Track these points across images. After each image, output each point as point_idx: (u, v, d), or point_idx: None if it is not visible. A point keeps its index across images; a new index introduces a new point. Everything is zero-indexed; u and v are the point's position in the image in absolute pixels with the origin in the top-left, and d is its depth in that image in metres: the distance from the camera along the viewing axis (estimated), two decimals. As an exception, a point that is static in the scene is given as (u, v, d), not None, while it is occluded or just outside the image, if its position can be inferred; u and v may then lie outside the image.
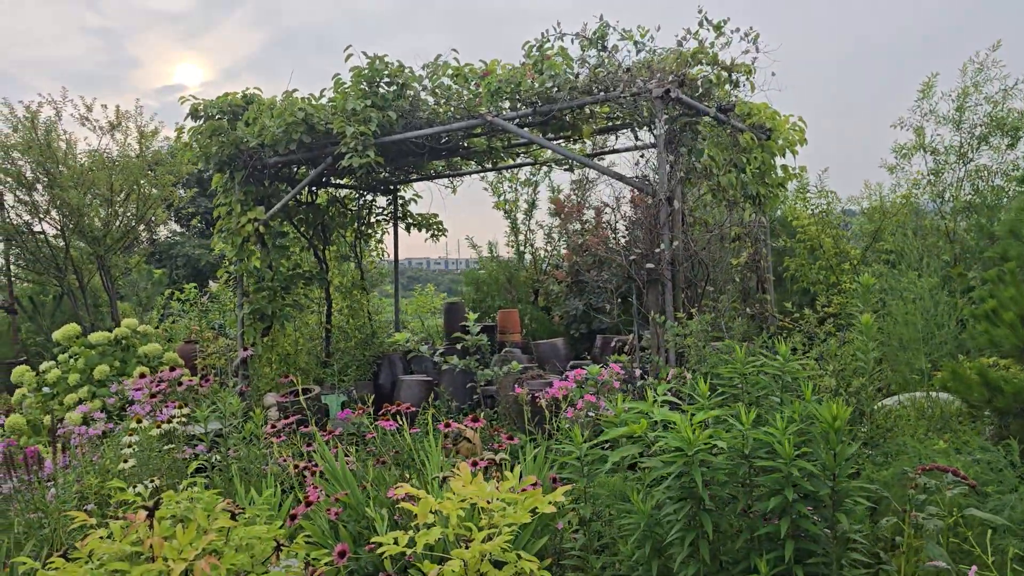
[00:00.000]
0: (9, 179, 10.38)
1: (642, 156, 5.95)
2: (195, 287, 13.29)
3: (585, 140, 7.09)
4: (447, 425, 4.50)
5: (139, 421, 5.38)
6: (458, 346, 7.99)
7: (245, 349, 7.65)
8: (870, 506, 3.23)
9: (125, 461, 5.20)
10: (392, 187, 9.74)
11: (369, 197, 9.71)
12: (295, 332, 8.47)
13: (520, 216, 12.71)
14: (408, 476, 4.47)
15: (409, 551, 2.90)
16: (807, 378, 3.38)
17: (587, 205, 11.41)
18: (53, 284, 11.24)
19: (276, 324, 8.04)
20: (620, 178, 5.87)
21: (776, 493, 2.85)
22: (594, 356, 9.44)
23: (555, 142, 7.39)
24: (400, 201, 9.82)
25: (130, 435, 5.28)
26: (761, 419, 3.18)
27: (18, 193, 10.53)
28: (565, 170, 8.54)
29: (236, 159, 7.67)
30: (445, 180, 9.56)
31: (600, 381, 4.34)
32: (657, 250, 5.33)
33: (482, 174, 11.24)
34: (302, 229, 8.81)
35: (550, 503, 2.79)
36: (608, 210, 10.36)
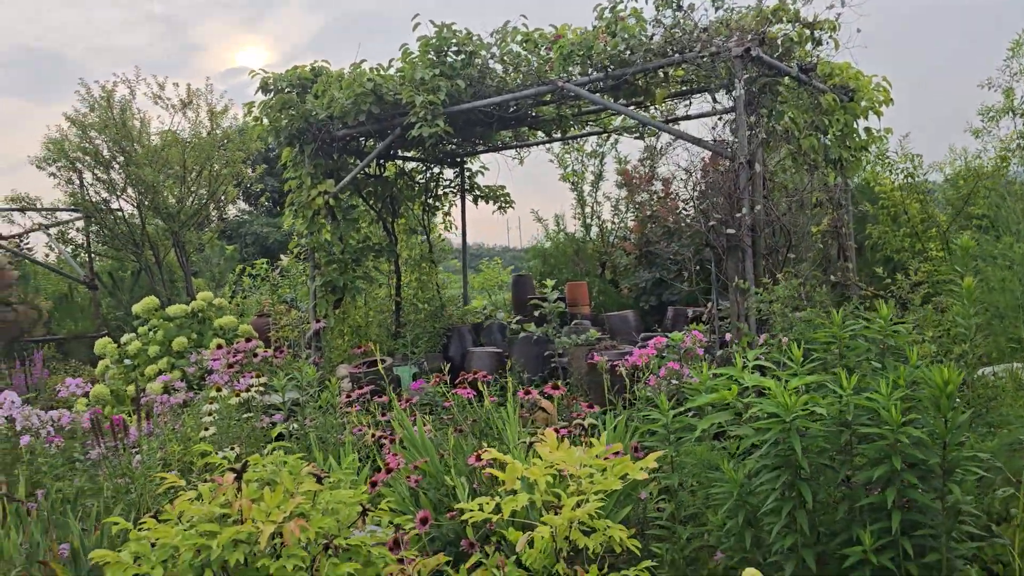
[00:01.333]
0: (87, 157, 10.66)
1: (719, 119, 5.74)
2: (266, 263, 13.51)
3: (658, 105, 6.89)
4: (526, 393, 4.43)
5: (218, 390, 5.46)
6: (536, 314, 7.93)
7: (318, 321, 7.72)
8: (978, 477, 3.05)
9: (206, 429, 5.29)
10: (459, 159, 9.69)
11: (436, 170, 9.67)
12: (365, 305, 8.52)
13: (586, 188, 12.55)
14: (486, 445, 4.43)
15: (494, 517, 2.85)
16: (910, 343, 3.21)
17: (656, 176, 11.18)
18: (131, 260, 11.54)
19: (347, 296, 8.09)
20: (698, 142, 5.69)
21: (881, 462, 2.70)
22: (665, 328, 9.28)
23: (627, 108, 7.21)
24: (467, 173, 9.77)
25: (210, 403, 5.37)
26: (862, 385, 3.02)
27: (96, 171, 10.81)
28: (635, 138, 8.36)
29: (305, 132, 7.70)
30: (512, 151, 9.47)
31: (683, 348, 4.22)
32: (739, 214, 5.15)
33: (547, 146, 11.12)
34: (371, 202, 8.83)
35: (641, 469, 2.70)
36: (680, 177, 10.12)
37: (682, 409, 3.40)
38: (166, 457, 5.28)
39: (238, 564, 2.55)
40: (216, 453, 5.20)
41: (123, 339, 8.24)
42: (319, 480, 2.89)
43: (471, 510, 2.88)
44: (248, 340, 6.56)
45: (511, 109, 7.60)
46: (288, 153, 8.01)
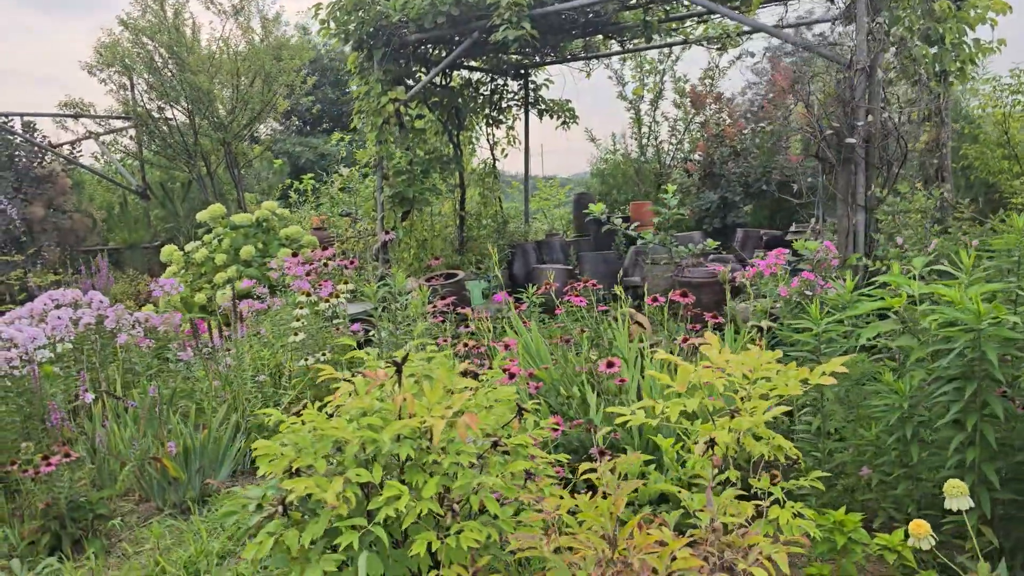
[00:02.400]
0: (139, 63, 10.41)
1: (832, 25, 5.40)
2: (312, 177, 13.33)
3: (755, 12, 6.53)
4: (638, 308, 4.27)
5: (307, 295, 5.35)
6: (603, 231, 7.72)
7: (387, 233, 7.56)
8: None
9: (295, 335, 5.20)
10: (524, 71, 9.36)
11: (500, 81, 9.35)
12: (431, 218, 8.35)
13: (644, 108, 12.16)
14: (596, 355, 4.31)
15: (652, 422, 2.72)
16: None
17: (719, 94, 10.78)
18: (183, 170, 11.38)
19: (414, 209, 7.91)
20: (811, 48, 5.37)
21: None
22: (734, 249, 9.06)
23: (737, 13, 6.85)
24: (531, 86, 9.45)
25: (300, 308, 5.26)
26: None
27: (148, 78, 10.56)
28: (716, 49, 7.98)
29: (376, 36, 7.41)
30: (579, 64, 9.12)
31: (816, 259, 4.03)
32: (859, 123, 4.87)
33: (607, 62, 10.73)
34: (436, 113, 8.57)
35: (823, 374, 2.54)
36: (753, 92, 9.74)
37: (830, 320, 3.23)
38: (255, 361, 5.22)
39: (409, 459, 2.45)
40: (306, 359, 5.13)
41: (187, 247, 8.15)
42: (476, 376, 2.76)
43: (625, 415, 2.75)
44: (325, 247, 6.42)
45: (589, 15, 7.26)
46: (354, 58, 7.74)
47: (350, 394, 2.68)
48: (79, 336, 4.79)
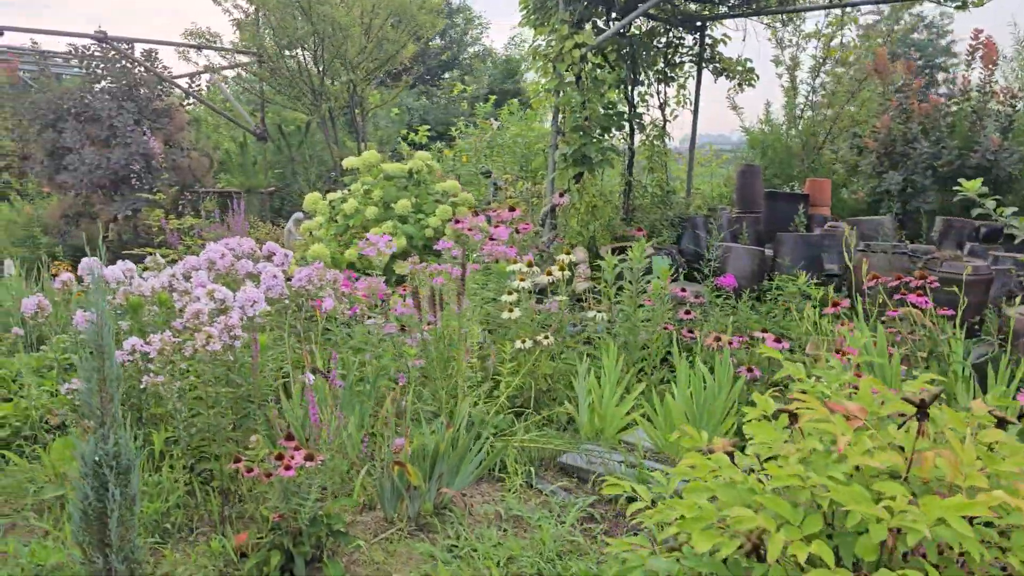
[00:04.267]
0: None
1: None
2: (428, 129, 12.52)
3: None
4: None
5: (530, 265, 4.52)
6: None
7: (561, 195, 6.70)
8: None
9: (510, 310, 4.39)
10: (701, 23, 8.35)
11: (675, 34, 8.36)
12: (601, 182, 7.46)
13: (800, 75, 11.04)
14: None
15: None
16: None
17: (910, 64, 9.63)
18: (305, 113, 10.62)
19: (589, 171, 7.03)
20: None
21: None
22: (930, 240, 8.02)
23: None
24: (707, 41, 8.44)
25: (520, 279, 4.44)
26: None
27: (276, 16, 9.76)
28: (956, 7, 6.88)
29: (566, -31, 6.49)
30: (768, 17, 8.07)
31: None
32: None
33: (768, 22, 9.66)
34: (613, 63, 7.63)
35: None
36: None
37: None
38: (448, 334, 4.42)
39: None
40: (524, 341, 4.32)
41: (330, 197, 7.40)
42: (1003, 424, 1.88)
43: None
44: (512, 209, 5.58)
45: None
46: (528, -2, 6.83)
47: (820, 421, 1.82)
48: (271, 300, 4.03)
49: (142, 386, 3.12)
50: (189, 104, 10.43)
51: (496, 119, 11.93)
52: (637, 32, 7.84)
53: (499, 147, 9.43)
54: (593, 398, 4.10)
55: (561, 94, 6.75)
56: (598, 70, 7.00)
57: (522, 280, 4.40)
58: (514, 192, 7.49)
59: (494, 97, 13.39)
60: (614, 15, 7.46)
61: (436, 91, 23.67)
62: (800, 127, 10.79)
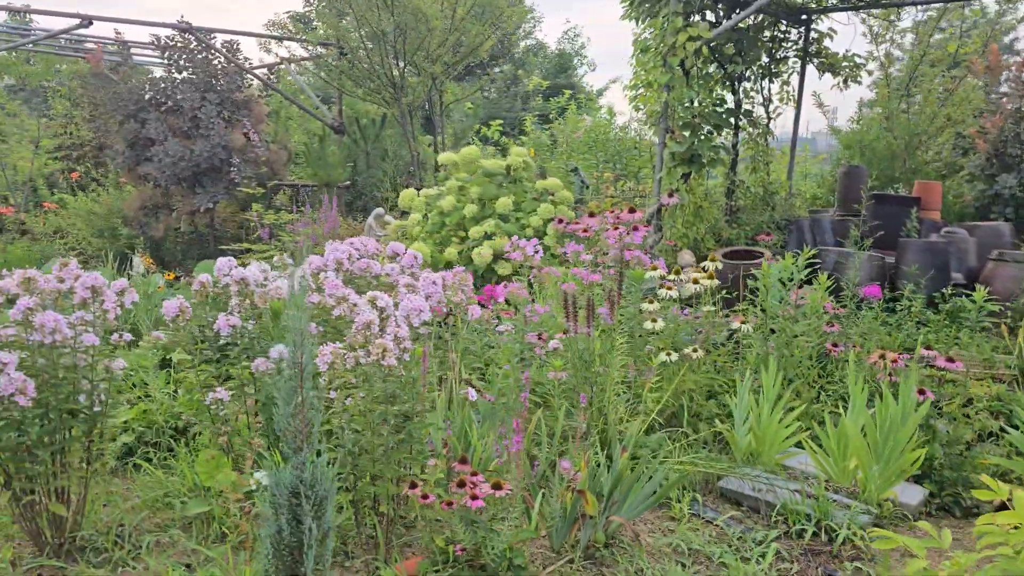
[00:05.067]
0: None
1: None
2: (500, 124, 12.27)
3: None
4: None
5: (677, 273, 4.24)
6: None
7: (671, 195, 6.39)
8: None
9: (653, 321, 4.10)
10: (807, 16, 7.97)
11: (781, 27, 7.99)
12: (706, 182, 7.14)
13: (894, 72, 10.58)
14: None
15: None
16: None
17: None
18: (383, 106, 10.43)
19: (697, 170, 6.71)
20: None
21: None
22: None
23: None
24: (812, 35, 8.06)
25: (667, 288, 4.15)
26: None
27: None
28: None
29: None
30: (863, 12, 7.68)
31: None
32: None
33: (862, 16, 9.24)
34: (720, 56, 7.30)
35: None
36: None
37: None
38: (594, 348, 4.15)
39: None
40: (669, 353, 4.04)
41: (423, 193, 7.18)
42: None
43: None
44: (632, 210, 5.28)
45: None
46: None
47: None
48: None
49: (299, 399, 2.90)
50: (265, 96, 10.29)
51: (578, 115, 11.64)
52: (744, 26, 7.48)
53: (579, 144, 9.12)
54: (751, 417, 3.80)
55: (671, 90, 6.44)
56: (710, 66, 6.68)
57: (669, 289, 4.11)
58: (615, 191, 7.20)
59: (568, 92, 13.10)
60: (721, 7, 7.13)
61: (489, 85, 23.45)
62: (898, 126, 10.33)
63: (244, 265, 5.39)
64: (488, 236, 6.46)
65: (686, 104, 6.41)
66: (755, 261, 6.02)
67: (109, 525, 3.10)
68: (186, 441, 3.93)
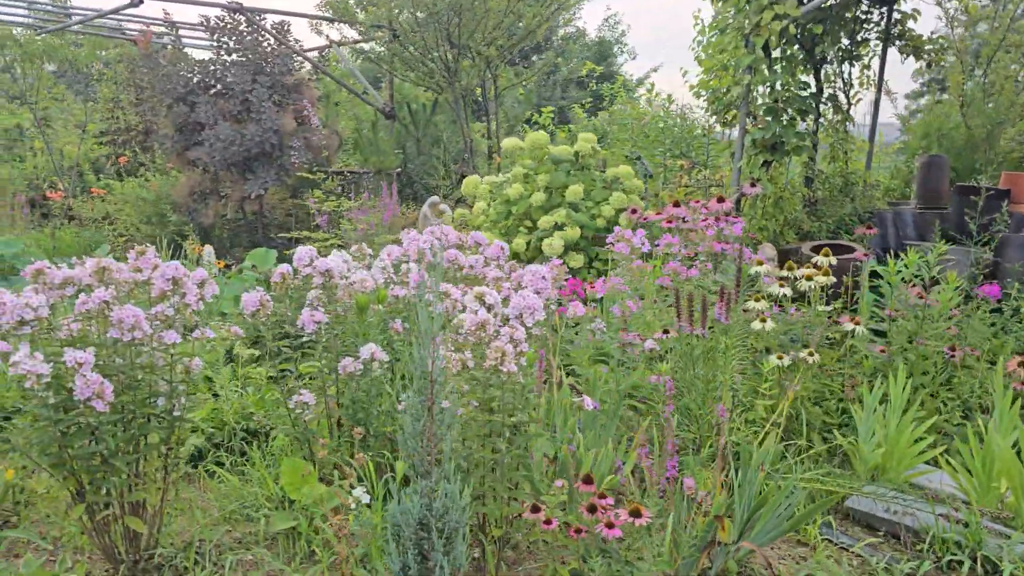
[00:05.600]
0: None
1: None
2: (552, 110, 11.89)
3: None
4: None
5: (791, 268, 3.87)
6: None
7: (753, 184, 6.00)
8: None
9: (762, 320, 3.74)
10: (891, -4, 7.50)
11: (863, 7, 7.53)
12: (787, 172, 6.73)
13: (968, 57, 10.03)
14: None
15: None
16: None
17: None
18: (434, 91, 10.10)
19: (779, 158, 6.31)
20: None
21: None
22: None
23: None
24: (896, 16, 7.59)
25: (781, 284, 3.79)
26: None
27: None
28: None
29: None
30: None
31: None
32: None
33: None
34: (800, 36, 6.87)
35: None
36: None
37: None
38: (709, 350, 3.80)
39: None
40: (781, 356, 3.68)
41: (487, 180, 6.86)
42: None
43: None
44: (721, 199, 4.92)
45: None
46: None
47: None
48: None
49: (400, 407, 2.60)
50: (315, 79, 10.01)
51: (629, 100, 11.23)
52: (826, 5, 7.04)
53: (637, 131, 8.70)
54: (877, 430, 3.44)
55: (755, 72, 6.05)
56: (794, 46, 6.26)
57: (782, 285, 3.74)
58: (688, 180, 6.82)
59: (621, 77, 12.67)
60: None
61: (526, 72, 23.09)
62: (979, 114, 9.79)
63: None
64: (559, 226, 6.12)
65: (769, 88, 6.01)
66: (851, 256, 5.62)
67: (187, 541, 2.82)
68: (258, 444, 3.66)
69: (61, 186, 10.75)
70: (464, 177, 9.90)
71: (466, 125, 9.86)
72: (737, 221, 4.31)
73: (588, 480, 2.45)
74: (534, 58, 26.93)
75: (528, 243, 6.22)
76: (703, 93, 8.60)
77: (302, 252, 3.27)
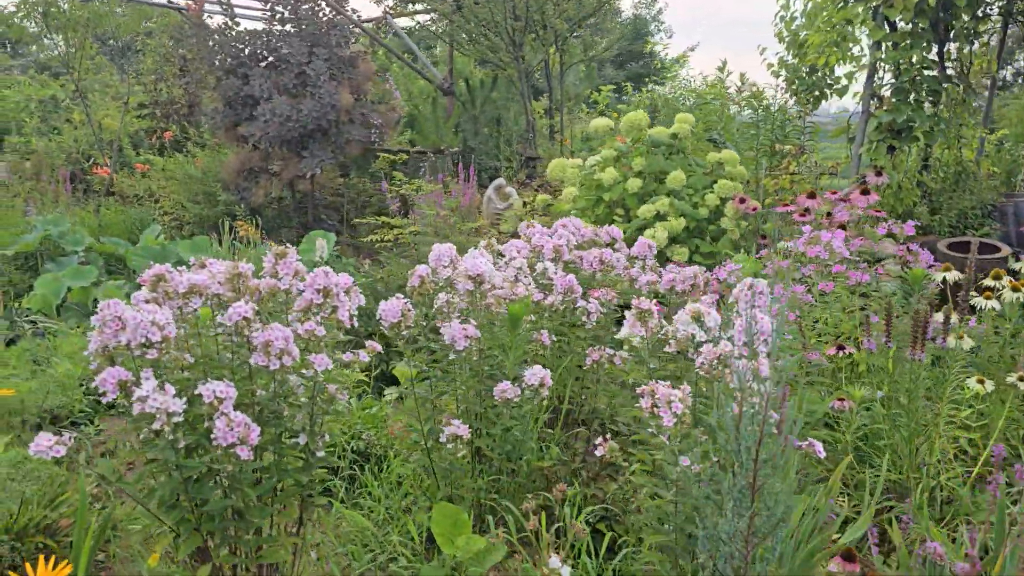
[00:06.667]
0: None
1: None
2: (613, 87, 11.28)
3: None
4: None
5: (997, 277, 3.31)
6: None
7: (878, 173, 5.41)
8: None
9: (959, 337, 3.18)
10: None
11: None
12: (908, 159, 6.13)
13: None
14: None
15: None
16: None
17: None
18: (498, 65, 9.51)
19: (903, 144, 5.72)
20: None
21: None
22: None
23: None
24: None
25: (987, 297, 3.23)
26: None
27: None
28: None
29: None
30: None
31: None
32: None
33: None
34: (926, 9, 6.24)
35: None
36: None
37: None
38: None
39: None
40: (976, 380, 3.13)
41: (572, 162, 6.30)
42: None
43: None
44: (865, 192, 4.34)
45: None
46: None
47: None
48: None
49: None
50: (371, 52, 9.46)
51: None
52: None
53: (711, 111, 8.06)
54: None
55: (885, 49, 5.45)
56: (925, 20, 5.64)
57: (988, 298, 3.18)
58: (796, 167, 6.23)
59: (683, 56, 12.03)
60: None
61: (597, 43, 22.44)
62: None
63: (382, 243, 4.54)
64: (660, 216, 5.57)
65: (896, 67, 5.41)
66: (996, 256, 5.04)
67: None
68: (370, 468, 3.16)
69: (102, 160, 10.28)
70: (528, 159, 9.34)
71: (529, 103, 9.29)
72: (908, 222, 3.75)
73: (850, 557, 1.92)
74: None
75: (625, 233, 5.67)
76: (781, 73, 8.00)
77: (441, 251, 2.75)
